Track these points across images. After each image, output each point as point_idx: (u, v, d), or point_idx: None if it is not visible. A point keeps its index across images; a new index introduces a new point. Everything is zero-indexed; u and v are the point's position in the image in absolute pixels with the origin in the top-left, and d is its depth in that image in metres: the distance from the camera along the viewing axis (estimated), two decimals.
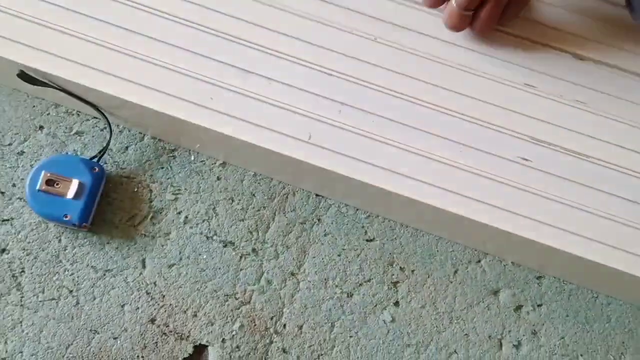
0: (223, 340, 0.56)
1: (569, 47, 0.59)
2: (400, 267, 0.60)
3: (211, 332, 0.57)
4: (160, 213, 0.59)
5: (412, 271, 0.60)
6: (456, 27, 0.57)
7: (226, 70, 0.57)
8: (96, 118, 0.61)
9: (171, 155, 0.61)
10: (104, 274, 0.57)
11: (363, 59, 0.58)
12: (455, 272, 0.60)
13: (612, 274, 0.55)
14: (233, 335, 0.57)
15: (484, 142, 0.56)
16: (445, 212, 0.55)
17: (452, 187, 0.55)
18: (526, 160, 0.56)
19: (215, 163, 0.61)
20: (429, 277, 0.60)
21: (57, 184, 0.56)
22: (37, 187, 0.56)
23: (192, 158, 0.61)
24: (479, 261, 0.60)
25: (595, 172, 0.56)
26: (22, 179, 0.59)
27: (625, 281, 0.56)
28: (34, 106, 0.61)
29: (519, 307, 0.59)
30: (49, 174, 0.56)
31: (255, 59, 0.58)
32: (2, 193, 0.59)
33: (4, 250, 0.57)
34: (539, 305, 0.59)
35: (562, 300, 0.59)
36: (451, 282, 0.59)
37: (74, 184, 0.56)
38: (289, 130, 0.56)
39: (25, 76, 0.56)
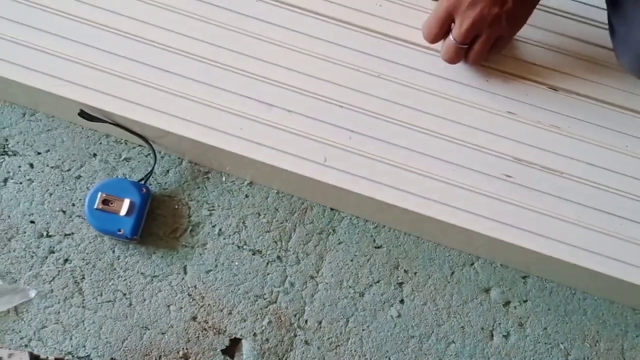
0: (254, 334, 0.66)
1: (545, 80, 0.69)
2: (405, 270, 0.69)
3: (244, 327, 0.66)
4: (198, 226, 0.69)
5: (415, 273, 0.69)
6: (453, 59, 0.66)
7: (252, 104, 0.67)
8: (141, 146, 0.71)
9: (206, 176, 0.71)
10: (152, 279, 0.67)
11: (369, 92, 0.68)
12: (452, 273, 0.69)
13: (586, 273, 0.64)
14: (263, 330, 0.66)
15: (472, 162, 0.65)
16: (443, 222, 0.64)
17: (447, 200, 0.64)
18: (509, 176, 0.65)
19: (243, 183, 0.71)
20: (429, 278, 0.69)
21: (112, 203, 0.66)
22: (95, 206, 0.66)
23: (224, 179, 0.71)
24: (472, 264, 0.70)
25: (569, 186, 0.65)
26: (80, 200, 0.69)
27: (598, 279, 0.65)
28: (88, 137, 0.71)
29: (507, 303, 0.69)
30: (104, 195, 0.66)
31: (277, 94, 0.68)
32: (64, 212, 0.69)
33: (66, 260, 0.67)
34: (525, 301, 0.69)
35: (544, 296, 0.69)
36: (449, 282, 0.69)
37: (126, 203, 0.66)
38: (306, 154, 0.65)
39: (84, 114, 0.66)
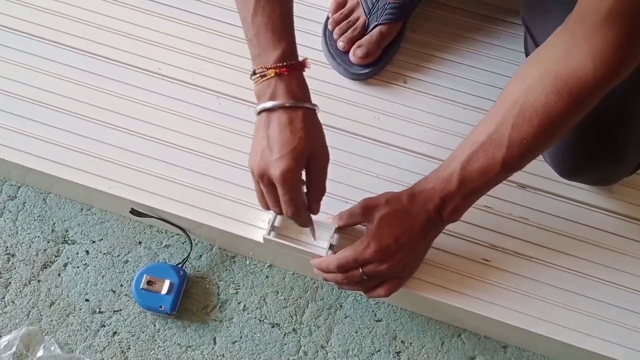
0: None
1: (514, 179, 0.82)
2: (402, 341, 0.81)
3: None
4: (226, 303, 0.82)
5: (410, 343, 0.81)
6: (352, 285, 0.72)
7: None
8: (179, 234, 0.85)
9: (232, 260, 0.84)
10: (187, 349, 0.79)
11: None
12: (442, 343, 0.81)
13: (558, 344, 0.75)
14: None
15: (455, 248, 0.78)
16: (433, 300, 0.76)
17: (438, 281, 0.76)
18: (487, 260, 0.78)
19: (264, 265, 0.84)
20: (423, 347, 0.80)
21: (154, 284, 0.79)
22: (141, 287, 0.79)
23: (248, 262, 0.84)
24: (460, 335, 0.81)
25: (536, 268, 0.77)
26: (127, 281, 0.82)
27: (569, 350, 0.76)
28: (134, 227, 0.85)
29: None
30: (149, 277, 0.79)
31: None
32: (114, 291, 0.82)
33: (115, 333, 0.80)
34: None
35: None
36: (439, 351, 0.80)
37: (167, 284, 0.79)
38: (317, 241, 0.78)
39: (134, 212, 0.80)
